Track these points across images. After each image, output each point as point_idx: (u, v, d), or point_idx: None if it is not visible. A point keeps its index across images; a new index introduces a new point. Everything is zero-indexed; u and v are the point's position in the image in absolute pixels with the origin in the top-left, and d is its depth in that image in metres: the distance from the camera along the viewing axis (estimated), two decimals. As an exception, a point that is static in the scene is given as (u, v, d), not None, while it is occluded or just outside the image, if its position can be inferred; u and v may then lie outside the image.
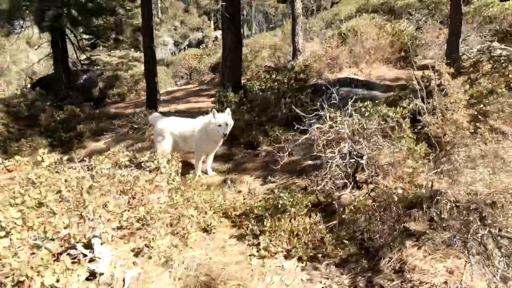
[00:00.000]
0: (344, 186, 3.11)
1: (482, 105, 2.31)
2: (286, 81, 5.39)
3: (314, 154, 2.81)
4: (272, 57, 8.92)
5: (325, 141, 2.89)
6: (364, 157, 2.90)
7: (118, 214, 2.64)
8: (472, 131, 2.13)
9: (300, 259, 2.39)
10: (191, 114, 6.60)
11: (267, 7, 25.86)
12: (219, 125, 3.75)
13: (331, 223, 2.64)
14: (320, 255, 2.40)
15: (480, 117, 2.26)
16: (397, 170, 2.76)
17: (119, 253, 2.42)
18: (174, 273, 2.25)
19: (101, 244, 2.11)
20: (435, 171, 2.09)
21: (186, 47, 27.47)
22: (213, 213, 2.96)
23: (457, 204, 1.91)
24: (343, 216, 2.43)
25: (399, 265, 2.22)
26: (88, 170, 2.68)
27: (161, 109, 8.62)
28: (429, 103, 2.37)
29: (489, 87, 3.17)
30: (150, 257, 2.38)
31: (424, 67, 5.99)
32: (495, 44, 7.58)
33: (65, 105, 7.62)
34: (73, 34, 9.76)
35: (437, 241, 2.26)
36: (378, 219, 2.49)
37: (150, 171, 2.96)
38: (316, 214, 2.77)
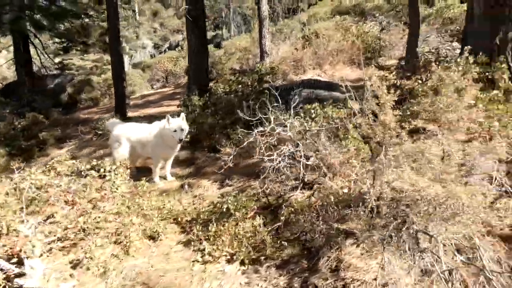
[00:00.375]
0: (295, 188, 3.15)
1: (409, 106, 2.41)
2: (250, 83, 5.41)
3: (257, 157, 2.82)
4: (242, 59, 8.95)
5: (272, 143, 2.92)
6: (311, 158, 2.95)
7: (62, 225, 2.57)
8: (400, 131, 2.20)
9: (242, 262, 2.40)
10: (161, 118, 6.53)
11: (245, 9, 25.91)
12: (174, 131, 3.72)
13: (276, 225, 2.67)
14: (262, 258, 2.41)
15: (406, 117, 2.35)
16: (346, 170, 2.82)
17: (56, 266, 2.35)
18: (110, 284, 2.21)
19: (27, 258, 2.04)
20: (363, 170, 2.15)
21: (167, 50, 27.14)
22: (162, 219, 2.93)
23: (382, 202, 1.97)
24: (281, 218, 2.46)
25: (336, 263, 2.27)
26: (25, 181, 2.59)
27: (130, 113, 8.47)
28: (362, 104, 2.43)
29: (432, 86, 3.30)
30: (88, 268, 2.33)
31: (386, 67, 6.17)
32: (455, 44, 7.91)
33: (27, 111, 7.35)
34: (37, 38, 9.43)
35: (375, 238, 2.32)
36: (320, 219, 2.54)
37: (101, 178, 2.90)
38: (264, 217, 2.80)
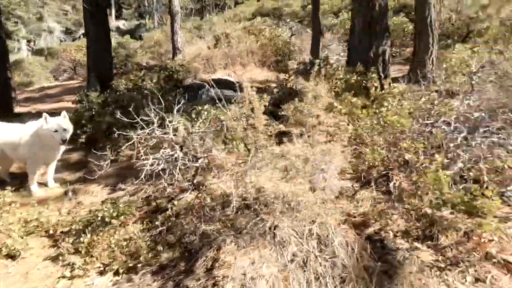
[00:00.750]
0: (186, 190, 3.14)
1: (280, 110, 2.67)
2: (155, 80, 5.18)
3: (134, 160, 2.72)
4: (155, 54, 8.55)
5: (156, 146, 2.84)
6: (200, 160, 2.97)
7: None
8: (269, 134, 2.37)
9: (116, 272, 2.28)
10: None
11: (169, 0, 24.75)
12: (55, 131, 3.31)
13: (159, 229, 2.61)
14: (139, 265, 2.34)
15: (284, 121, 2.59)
16: (235, 170, 2.90)
17: None
18: None
19: None
20: (231, 172, 2.26)
21: (81, 36, 24.11)
22: (28, 234, 2.59)
23: (245, 202, 2.10)
24: (157, 223, 2.42)
25: (212, 263, 2.34)
26: None
27: (19, 109, 7.28)
28: (240, 108, 2.55)
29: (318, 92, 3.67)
30: None
31: (290, 70, 6.61)
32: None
33: None
34: None
35: (250, 235, 2.46)
36: (202, 220, 2.59)
37: None
38: (149, 222, 2.72)
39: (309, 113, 2.49)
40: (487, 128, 2.91)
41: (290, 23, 9.00)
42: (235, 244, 2.51)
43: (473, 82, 3.42)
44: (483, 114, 2.85)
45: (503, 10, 6.59)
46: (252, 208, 2.06)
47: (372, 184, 2.98)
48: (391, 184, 2.86)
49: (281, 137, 2.54)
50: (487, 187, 2.34)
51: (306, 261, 2.23)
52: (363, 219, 2.71)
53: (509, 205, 2.62)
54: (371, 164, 2.86)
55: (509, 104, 3.08)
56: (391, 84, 4.40)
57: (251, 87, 2.36)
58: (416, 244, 2.42)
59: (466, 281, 2.11)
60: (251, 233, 2.29)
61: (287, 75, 4.85)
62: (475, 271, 2.14)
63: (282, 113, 2.66)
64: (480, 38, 6.90)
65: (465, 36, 7.49)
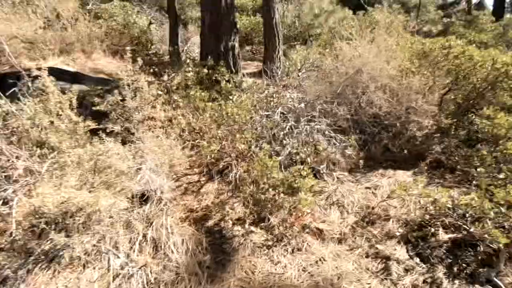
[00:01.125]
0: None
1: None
2: None
3: None
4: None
5: None
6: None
7: None
8: (79, 133, 1.99)
9: None
10: None
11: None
12: None
13: None
14: None
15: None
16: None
17: None
18: None
19: None
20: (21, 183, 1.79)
21: None
22: None
23: (41, 219, 1.69)
24: None
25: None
26: None
27: None
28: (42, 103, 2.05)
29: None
30: None
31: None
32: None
33: None
34: None
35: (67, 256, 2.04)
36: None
37: None
38: None
39: (134, 107, 2.23)
40: (308, 117, 3.41)
41: (147, 10, 8.35)
42: (46, 271, 2.04)
43: (299, 78, 3.97)
44: (302, 105, 3.30)
45: (329, 20, 8.08)
46: (51, 226, 1.67)
47: (215, 176, 3.03)
48: (231, 174, 2.97)
49: (100, 136, 2.18)
50: (304, 168, 2.67)
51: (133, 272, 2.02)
52: (205, 213, 2.70)
53: (324, 180, 3.17)
54: (209, 157, 2.87)
55: (323, 97, 3.69)
56: (241, 78, 4.66)
57: (49, 76, 1.90)
58: (251, 228, 2.57)
59: (287, 253, 2.39)
60: (51, 255, 1.89)
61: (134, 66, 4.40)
62: (295, 242, 2.45)
63: (97, 108, 2.29)
64: (316, 42, 8.27)
65: (306, 39, 8.83)
